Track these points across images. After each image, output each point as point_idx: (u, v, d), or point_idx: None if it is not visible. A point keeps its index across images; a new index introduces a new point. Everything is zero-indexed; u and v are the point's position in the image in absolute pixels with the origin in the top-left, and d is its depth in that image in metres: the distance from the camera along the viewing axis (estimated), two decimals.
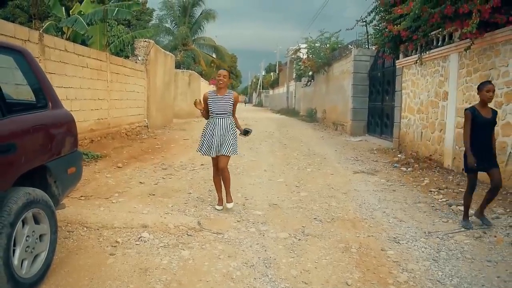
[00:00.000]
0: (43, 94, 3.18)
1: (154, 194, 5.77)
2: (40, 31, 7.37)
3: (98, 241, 3.90)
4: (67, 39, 11.01)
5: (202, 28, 33.17)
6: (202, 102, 5.13)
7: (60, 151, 3.22)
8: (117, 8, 11.23)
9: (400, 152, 10.47)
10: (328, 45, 20.75)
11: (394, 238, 4.33)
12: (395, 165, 8.73)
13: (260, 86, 77.93)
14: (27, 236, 2.80)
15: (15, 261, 2.67)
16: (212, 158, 5.08)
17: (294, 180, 7.12)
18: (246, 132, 5.13)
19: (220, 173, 5.11)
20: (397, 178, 7.42)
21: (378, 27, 11.79)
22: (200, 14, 32.65)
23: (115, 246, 3.77)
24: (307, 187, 6.60)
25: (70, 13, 11.71)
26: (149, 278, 3.18)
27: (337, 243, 4.13)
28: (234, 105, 5.11)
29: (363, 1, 11.30)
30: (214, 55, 35.35)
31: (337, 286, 3.19)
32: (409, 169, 8.26)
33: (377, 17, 11.42)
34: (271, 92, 61.83)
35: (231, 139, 5.00)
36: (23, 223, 2.75)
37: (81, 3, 13.36)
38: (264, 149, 11.21)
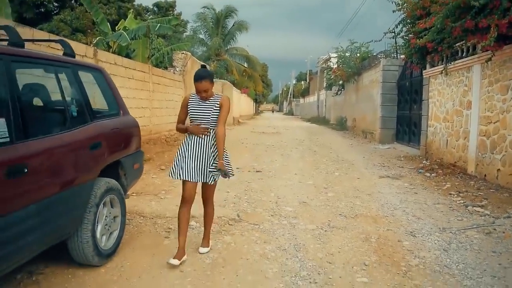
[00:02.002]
0: (116, 104, 3.94)
1: (196, 192, 6.46)
2: (95, 48, 8.26)
3: (154, 227, 4.62)
4: (113, 52, 11.99)
5: (234, 39, 34.22)
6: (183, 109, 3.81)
7: (129, 150, 3.96)
8: (159, 24, 12.16)
9: (427, 159, 10.85)
10: (358, 54, 21.20)
11: (411, 232, 4.86)
12: (419, 171, 9.16)
13: (290, 94, 78.57)
14: (106, 216, 3.53)
15: (98, 234, 3.39)
16: (184, 182, 3.70)
17: (322, 182, 7.70)
18: (224, 174, 3.62)
19: (204, 206, 3.94)
20: (420, 183, 7.88)
21: (406, 38, 12.26)
22: (233, 26, 33.74)
23: (168, 231, 4.47)
24: (334, 188, 7.17)
25: (116, 29, 12.73)
26: (199, 255, 3.85)
27: (359, 234, 4.69)
28: (221, 112, 3.66)
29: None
30: (245, 65, 36.35)
31: (356, 265, 3.78)
32: (433, 174, 8.68)
33: (404, 29, 11.92)
34: (301, 100, 62.40)
35: (215, 160, 3.65)
36: (103, 205, 3.48)
37: (125, 19, 14.40)
38: (295, 155, 11.81)
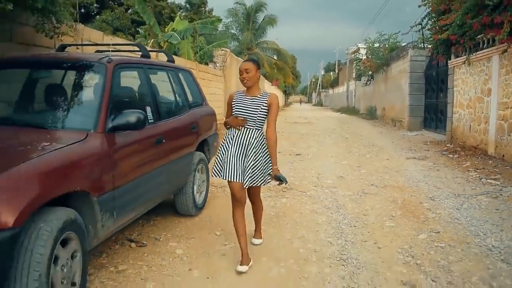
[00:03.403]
0: (201, 97, 5.22)
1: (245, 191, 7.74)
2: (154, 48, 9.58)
3: (224, 193, 5.89)
4: None
5: (264, 33, 35.33)
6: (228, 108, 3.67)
7: (211, 131, 5.24)
8: (204, 25, 13.48)
9: (451, 143, 11.78)
10: (387, 45, 21.98)
11: (431, 197, 5.96)
12: (443, 153, 10.15)
13: (319, 85, 79.07)
14: (198, 179, 4.81)
15: (195, 192, 4.68)
16: (229, 182, 3.50)
17: (355, 162, 8.83)
18: (278, 178, 3.52)
19: (251, 204, 3.88)
20: (443, 162, 8.91)
21: (432, 30, 13.15)
22: (263, 20, 34.81)
23: None
24: (366, 167, 8.29)
25: (166, 30, 14.12)
26: (264, 211, 5.01)
27: (388, 198, 5.84)
28: (270, 112, 3.49)
29: None
30: (275, 57, 37.40)
31: (385, 216, 4.95)
32: (455, 156, 9.66)
33: (430, 22, 12.84)
34: (330, 91, 62.94)
35: (262, 160, 3.50)
36: (197, 171, 4.76)
37: (161, 18, 15.69)
38: (328, 141, 12.94)
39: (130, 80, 3.81)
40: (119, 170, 3.00)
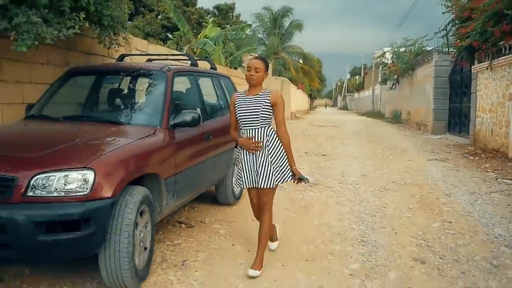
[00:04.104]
0: None
1: None
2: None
3: None
4: (196, 57, 14.13)
5: (291, 37, 36.03)
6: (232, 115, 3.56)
7: None
8: (235, 32, 14.22)
9: (473, 146, 12.12)
10: (412, 50, 22.24)
11: (447, 194, 6.45)
12: (464, 155, 10.54)
13: (345, 89, 79.06)
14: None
15: (232, 184, 5.34)
16: (248, 189, 3.63)
17: (378, 163, 9.34)
18: (300, 179, 3.54)
19: (259, 214, 3.68)
20: (462, 164, 9.32)
21: (455, 35, 13.55)
22: (289, 25, 35.51)
23: None
24: (388, 167, 8.80)
25: (198, 37, 14.93)
26: (294, 202, 5.72)
27: (407, 194, 6.37)
28: (277, 112, 3.38)
29: None
30: (301, 61, 37.99)
31: (403, 208, 5.50)
32: (476, 158, 10.04)
33: (453, 28, 13.25)
34: (356, 95, 62.98)
35: (271, 160, 3.37)
36: (235, 165, 5.40)
37: (190, 23, 16.49)
38: (353, 143, 13.45)
39: (183, 85, 4.50)
40: (179, 159, 3.68)
